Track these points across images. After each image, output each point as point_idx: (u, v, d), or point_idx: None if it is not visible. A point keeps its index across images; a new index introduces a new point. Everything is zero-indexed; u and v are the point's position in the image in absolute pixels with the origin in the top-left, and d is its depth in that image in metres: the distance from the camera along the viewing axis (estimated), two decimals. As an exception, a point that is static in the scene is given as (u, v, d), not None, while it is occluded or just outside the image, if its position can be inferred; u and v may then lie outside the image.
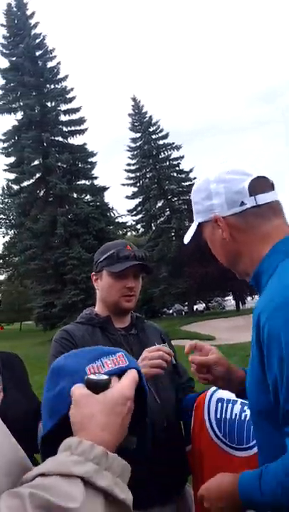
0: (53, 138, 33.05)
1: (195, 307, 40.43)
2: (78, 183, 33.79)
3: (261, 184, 1.21)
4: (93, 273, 1.96)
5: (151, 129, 41.73)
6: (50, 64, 34.40)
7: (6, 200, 46.28)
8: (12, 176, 34.63)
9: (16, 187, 35.43)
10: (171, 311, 44.43)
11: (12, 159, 34.34)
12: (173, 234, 39.40)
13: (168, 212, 40.47)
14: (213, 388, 1.75)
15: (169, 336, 2.11)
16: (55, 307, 29.43)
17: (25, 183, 33.85)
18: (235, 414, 1.67)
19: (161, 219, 41.12)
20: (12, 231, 45.69)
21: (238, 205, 1.20)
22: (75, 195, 33.28)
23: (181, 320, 28.78)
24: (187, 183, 39.40)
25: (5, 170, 34.44)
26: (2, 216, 49.58)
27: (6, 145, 34.42)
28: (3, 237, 47.83)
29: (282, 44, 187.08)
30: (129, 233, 42.31)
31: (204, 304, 44.30)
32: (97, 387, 0.76)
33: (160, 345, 1.69)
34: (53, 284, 30.71)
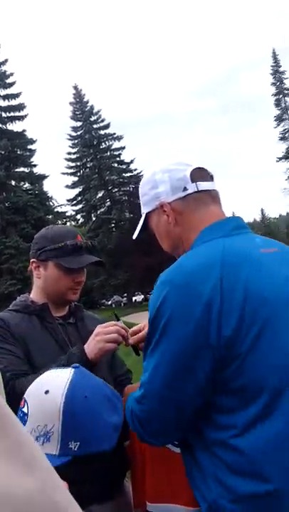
0: (-10, 123, 32.00)
1: (134, 298, 40.67)
2: (17, 170, 33.00)
3: (202, 174, 1.33)
4: (34, 259, 1.83)
5: (92, 119, 41.43)
6: (-12, 46, 33.19)
7: None
8: None
9: None
10: (110, 303, 44.44)
11: None
12: (113, 225, 39.39)
13: (108, 202, 40.39)
14: None
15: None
16: None
17: None
18: None
19: (102, 209, 41.00)
20: None
21: (181, 190, 1.30)
22: (13, 183, 32.49)
23: (119, 311, 28.84)
24: (128, 174, 39.52)
25: None
26: None
27: None
28: None
29: (225, 38, 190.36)
30: (68, 223, 41.76)
31: (143, 296, 44.69)
32: None
33: (115, 321, 1.65)
34: (-11, 273, 29.87)
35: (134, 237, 1.49)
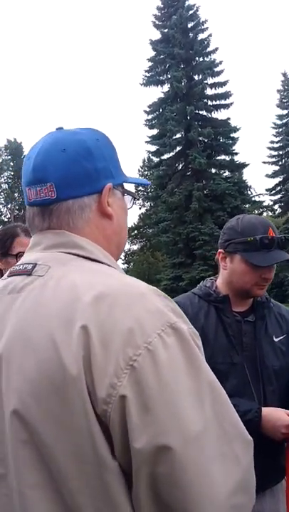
0: (197, 111, 32.81)
1: None
2: (218, 158, 33.31)
3: None
4: (221, 250, 1.76)
5: (299, 106, 39.58)
6: (201, 36, 33.92)
7: (146, 172, 47.40)
8: (153, 148, 35.25)
9: (156, 159, 36.01)
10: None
11: (155, 131, 34.91)
12: (312, 217, 37.32)
13: (309, 194, 38.40)
14: None
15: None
16: (182, 281, 29.72)
17: (166, 156, 34.21)
18: None
19: (302, 201, 39.19)
20: (148, 203, 46.79)
21: None
22: (213, 171, 32.91)
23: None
24: None
25: (147, 142, 35.18)
26: (140, 188, 51.02)
27: (150, 117, 35.11)
28: (140, 208, 49.13)
29: None
30: (265, 213, 40.94)
31: None
32: None
33: None
34: (183, 257, 30.96)
35: None
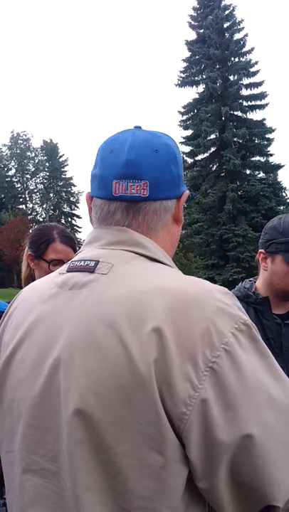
0: (231, 112, 32.55)
1: None
2: (252, 159, 32.93)
3: None
4: (262, 250, 1.73)
5: None
6: (236, 36, 33.62)
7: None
8: (188, 148, 35.09)
9: (190, 160, 35.88)
10: None
11: (189, 132, 34.74)
12: None
13: None
14: None
15: None
16: (215, 282, 28.65)
17: (200, 157, 34.05)
18: None
19: None
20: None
21: None
22: (247, 172, 32.56)
23: None
24: None
25: (181, 143, 35.02)
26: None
27: (184, 118, 34.95)
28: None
29: None
30: (300, 215, 40.17)
31: None
32: None
33: None
34: (216, 259, 30.74)
35: None
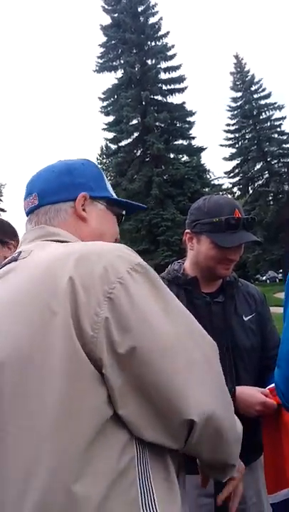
0: (152, 97, 32.73)
1: (290, 275, 39.12)
2: (175, 143, 33.40)
3: None
4: (188, 230, 1.75)
5: (252, 88, 40.16)
6: (151, 20, 33.74)
7: (105, 160, 47.11)
8: (110, 135, 34.97)
9: (113, 146, 35.76)
10: (264, 278, 43.40)
11: (111, 118, 34.61)
12: (271, 198, 38.02)
13: (267, 175, 39.09)
14: None
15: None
16: None
17: (123, 143, 34.05)
18: None
19: (259, 182, 39.88)
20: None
21: None
22: (171, 156, 32.99)
23: (274, 287, 27.94)
24: (289, 145, 37.53)
25: (103, 129, 34.84)
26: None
27: (105, 104, 34.77)
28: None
29: None
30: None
31: (300, 273, 42.75)
32: None
33: (263, 400, 1.61)
34: (146, 244, 31.03)
35: None
